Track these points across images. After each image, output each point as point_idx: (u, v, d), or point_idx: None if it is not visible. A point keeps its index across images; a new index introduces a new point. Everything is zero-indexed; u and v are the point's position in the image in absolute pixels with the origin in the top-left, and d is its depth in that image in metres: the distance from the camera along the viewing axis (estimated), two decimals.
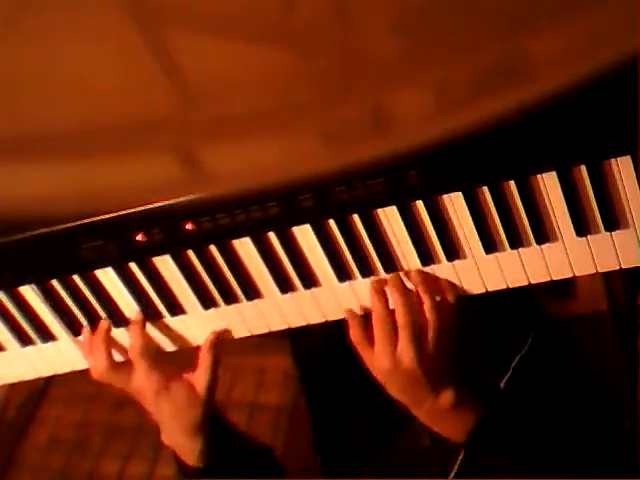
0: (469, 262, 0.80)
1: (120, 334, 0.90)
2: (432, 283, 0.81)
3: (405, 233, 0.79)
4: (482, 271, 0.81)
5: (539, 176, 0.75)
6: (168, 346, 0.90)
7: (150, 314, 0.88)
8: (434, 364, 0.78)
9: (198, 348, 0.89)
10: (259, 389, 1.79)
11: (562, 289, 1.23)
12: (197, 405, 0.86)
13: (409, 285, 0.81)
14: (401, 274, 0.81)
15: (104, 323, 0.88)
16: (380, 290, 0.81)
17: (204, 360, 0.87)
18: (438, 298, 0.81)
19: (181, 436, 0.87)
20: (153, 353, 0.87)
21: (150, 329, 0.89)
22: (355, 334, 0.82)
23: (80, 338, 0.90)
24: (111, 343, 0.88)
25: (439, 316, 0.78)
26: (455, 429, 0.80)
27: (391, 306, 0.80)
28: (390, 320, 0.79)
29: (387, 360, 0.78)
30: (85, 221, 0.79)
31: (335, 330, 0.88)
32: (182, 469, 0.88)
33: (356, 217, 0.79)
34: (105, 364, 0.86)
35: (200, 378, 0.87)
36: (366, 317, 0.82)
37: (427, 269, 0.81)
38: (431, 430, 0.82)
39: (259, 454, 0.93)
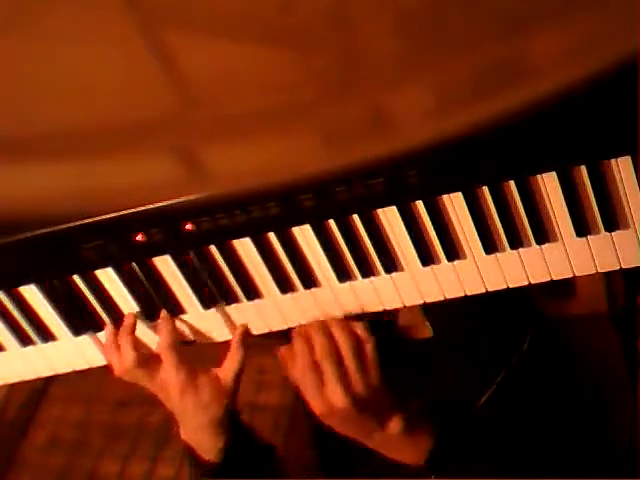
0: (469, 262, 0.80)
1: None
2: (342, 314, 0.81)
3: (405, 233, 0.79)
4: (482, 271, 0.81)
5: (539, 176, 0.75)
6: (183, 337, 0.90)
7: (150, 314, 0.88)
8: (368, 400, 0.77)
9: (215, 344, 0.88)
10: (259, 389, 1.79)
11: (562, 289, 1.23)
12: (222, 401, 0.86)
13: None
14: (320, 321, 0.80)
15: (130, 318, 0.87)
16: (302, 335, 0.80)
17: (234, 355, 0.87)
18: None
19: (203, 432, 0.86)
20: (179, 349, 0.86)
21: (150, 329, 0.89)
22: (293, 376, 0.79)
23: (99, 335, 0.90)
24: (132, 336, 0.86)
25: (357, 347, 0.77)
26: (412, 453, 0.79)
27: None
28: (313, 366, 0.77)
29: (320, 404, 0.77)
30: (85, 221, 0.79)
31: None
32: (198, 466, 0.87)
33: (356, 217, 0.79)
34: (132, 360, 0.85)
35: (228, 373, 0.87)
36: None
37: (427, 269, 0.81)
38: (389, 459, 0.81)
39: (267, 452, 0.93)
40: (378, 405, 0.78)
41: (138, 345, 0.87)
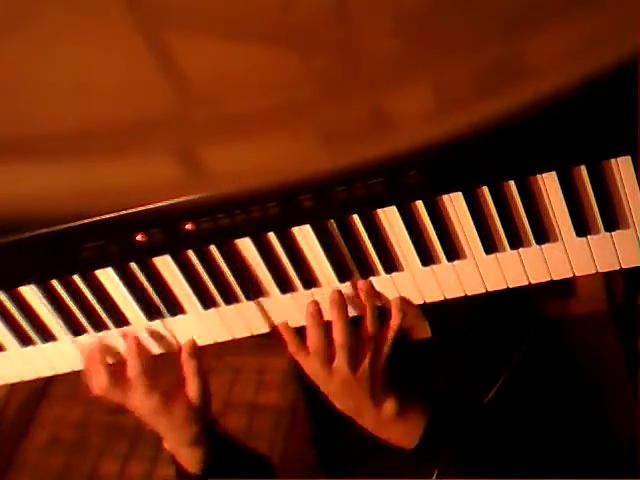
0: (469, 262, 0.80)
1: (120, 334, 0.90)
2: (368, 296, 0.82)
3: (405, 233, 0.79)
4: (482, 271, 0.81)
5: (539, 176, 0.75)
6: (168, 347, 0.90)
7: (150, 314, 0.88)
8: (371, 377, 0.79)
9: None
10: (259, 389, 1.79)
11: (562, 289, 1.23)
12: (195, 420, 0.87)
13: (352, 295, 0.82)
14: (344, 287, 0.82)
15: (97, 345, 0.88)
16: (315, 309, 0.82)
17: (189, 371, 0.87)
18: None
19: (181, 447, 0.88)
20: (151, 369, 0.86)
21: (150, 329, 0.89)
22: (291, 346, 0.83)
23: (81, 338, 0.90)
24: (106, 360, 0.87)
25: (375, 332, 0.80)
26: (402, 436, 0.81)
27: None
28: (323, 336, 0.80)
29: (323, 375, 0.80)
30: (85, 221, 0.79)
31: None
32: (181, 475, 0.88)
33: (356, 217, 0.79)
34: (104, 384, 0.86)
35: (194, 390, 0.87)
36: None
37: (427, 269, 0.81)
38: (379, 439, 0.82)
39: (254, 459, 0.94)
40: (377, 382, 0.80)
41: (114, 365, 0.88)
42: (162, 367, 0.89)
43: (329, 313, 0.82)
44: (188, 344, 0.88)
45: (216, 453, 0.88)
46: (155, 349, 0.90)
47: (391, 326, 0.82)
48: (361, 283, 0.82)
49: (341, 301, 0.81)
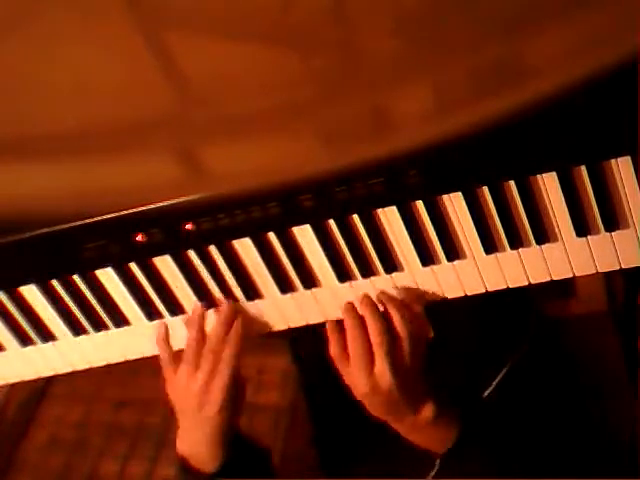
0: (469, 262, 0.80)
1: (120, 334, 0.90)
2: (399, 297, 0.81)
3: (405, 233, 0.79)
4: (482, 271, 0.81)
5: (539, 176, 0.75)
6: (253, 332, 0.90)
7: (150, 314, 0.88)
8: (411, 380, 0.78)
9: None
10: (259, 389, 1.79)
11: (562, 289, 1.23)
12: (229, 413, 0.85)
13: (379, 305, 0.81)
14: (371, 293, 0.82)
15: (198, 308, 0.86)
16: (352, 311, 0.81)
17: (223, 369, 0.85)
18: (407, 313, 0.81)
19: (202, 444, 0.85)
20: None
21: (149, 330, 0.89)
22: (335, 351, 0.81)
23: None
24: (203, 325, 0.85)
25: (411, 331, 0.79)
26: (436, 441, 0.81)
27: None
28: (364, 341, 0.79)
29: (364, 382, 0.78)
30: (85, 221, 0.79)
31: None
32: (193, 476, 0.87)
33: (356, 217, 0.79)
34: (166, 357, 0.85)
35: (230, 385, 0.85)
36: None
37: (427, 269, 0.81)
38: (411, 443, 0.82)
39: (263, 457, 0.93)
40: (417, 389, 0.79)
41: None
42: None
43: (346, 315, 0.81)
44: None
45: (234, 452, 0.87)
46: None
47: (423, 327, 0.81)
48: (382, 292, 0.81)
49: (372, 302, 0.81)
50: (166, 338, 0.87)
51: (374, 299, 0.82)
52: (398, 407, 0.79)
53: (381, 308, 0.81)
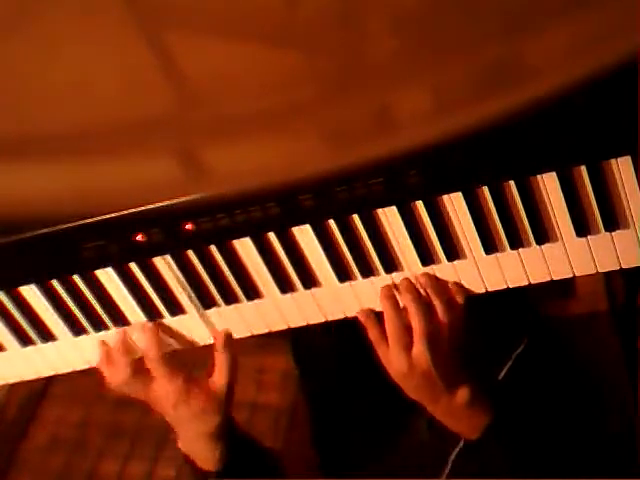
0: (469, 262, 0.80)
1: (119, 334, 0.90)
2: (441, 284, 0.81)
3: (405, 233, 0.79)
4: (482, 271, 0.81)
5: (539, 176, 0.75)
6: (167, 347, 0.90)
7: (150, 314, 0.88)
8: (449, 364, 0.79)
9: (208, 347, 0.88)
10: (259, 389, 1.79)
11: (562, 289, 1.23)
12: (217, 411, 0.86)
13: (419, 289, 0.81)
14: (410, 277, 0.82)
15: (120, 334, 0.88)
16: (390, 294, 0.81)
17: (221, 362, 0.87)
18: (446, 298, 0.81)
19: (199, 442, 0.86)
20: (169, 360, 0.86)
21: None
22: (373, 333, 0.82)
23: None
24: (130, 352, 0.87)
25: (451, 317, 0.79)
26: (469, 426, 0.81)
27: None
28: (402, 324, 0.79)
29: (403, 363, 0.79)
30: (85, 221, 0.79)
31: (335, 330, 0.88)
32: (197, 475, 0.87)
33: (356, 217, 0.79)
34: (126, 375, 0.86)
35: (220, 381, 0.86)
36: (378, 315, 0.83)
37: (427, 269, 0.81)
38: (440, 425, 0.82)
39: (265, 455, 0.93)
40: (454, 373, 0.80)
41: (132, 357, 0.87)
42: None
43: (399, 300, 0.81)
44: (224, 334, 0.87)
45: (234, 450, 0.87)
46: (174, 345, 0.90)
47: (459, 312, 0.81)
48: (423, 276, 0.81)
49: (413, 286, 0.81)
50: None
51: (411, 284, 0.82)
52: (434, 389, 0.79)
53: (422, 292, 0.81)
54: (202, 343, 0.90)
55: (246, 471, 0.88)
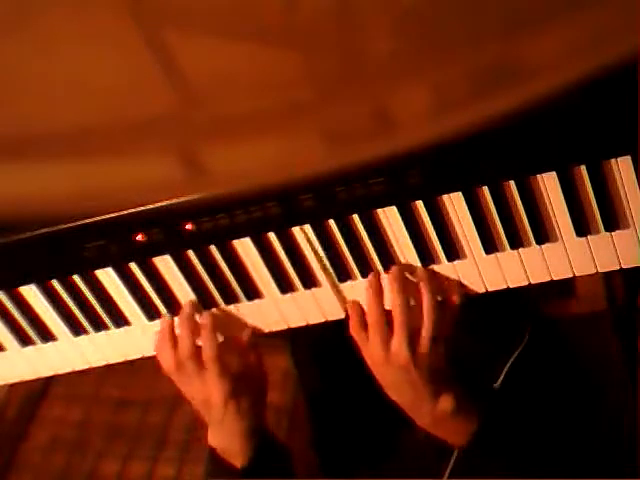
0: (469, 262, 0.80)
1: (120, 334, 0.90)
2: (437, 282, 0.81)
3: (405, 233, 0.79)
4: (482, 271, 0.81)
5: (539, 176, 0.75)
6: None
7: (150, 314, 0.88)
8: (430, 365, 0.78)
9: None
10: None
11: (562, 289, 1.23)
12: (260, 410, 0.87)
13: (411, 279, 0.81)
14: (403, 269, 0.81)
15: (188, 306, 0.86)
16: (375, 283, 0.81)
17: (255, 360, 0.89)
18: (440, 298, 0.80)
19: (236, 438, 0.86)
20: (222, 356, 0.85)
21: (149, 330, 0.89)
22: (353, 324, 0.81)
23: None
24: (195, 333, 0.85)
25: (439, 316, 0.78)
26: (455, 433, 0.80)
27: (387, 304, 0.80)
28: (382, 310, 0.78)
29: (380, 354, 0.77)
30: (85, 221, 0.79)
31: (335, 330, 0.88)
32: (224, 469, 0.87)
33: (356, 217, 0.79)
34: (188, 351, 0.83)
35: (264, 381, 0.89)
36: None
37: (427, 269, 0.81)
38: (430, 434, 0.81)
39: (287, 455, 0.94)
40: (437, 377, 0.78)
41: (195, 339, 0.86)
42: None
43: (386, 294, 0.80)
44: (248, 333, 0.88)
45: (262, 448, 0.87)
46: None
47: (450, 312, 0.80)
48: (420, 270, 0.80)
49: (402, 277, 0.79)
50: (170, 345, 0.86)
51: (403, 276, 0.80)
52: (415, 392, 0.78)
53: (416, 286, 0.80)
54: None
55: (270, 469, 0.88)
